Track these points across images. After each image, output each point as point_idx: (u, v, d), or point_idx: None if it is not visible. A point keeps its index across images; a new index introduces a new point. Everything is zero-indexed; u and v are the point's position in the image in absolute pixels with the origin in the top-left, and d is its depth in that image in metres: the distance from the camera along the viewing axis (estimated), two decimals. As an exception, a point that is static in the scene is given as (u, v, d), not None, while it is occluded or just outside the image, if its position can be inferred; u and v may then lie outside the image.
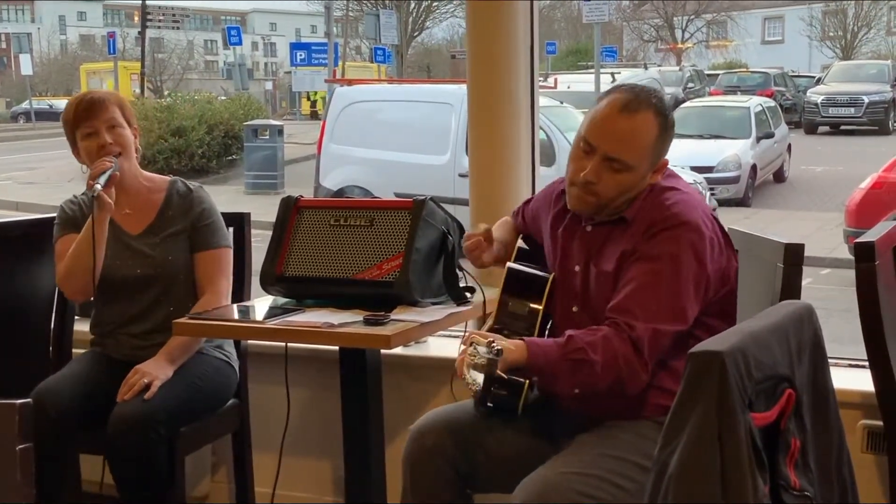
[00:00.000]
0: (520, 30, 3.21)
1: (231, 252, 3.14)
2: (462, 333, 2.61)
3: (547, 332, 2.45)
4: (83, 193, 3.07)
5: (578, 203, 2.36)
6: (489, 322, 2.44)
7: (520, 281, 2.46)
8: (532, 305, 2.40)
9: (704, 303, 2.28)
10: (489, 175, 3.26)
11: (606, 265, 2.33)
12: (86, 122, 2.99)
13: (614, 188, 2.31)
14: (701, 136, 15.11)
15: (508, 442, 2.41)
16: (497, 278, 2.62)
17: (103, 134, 2.97)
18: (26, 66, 33.48)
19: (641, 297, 2.21)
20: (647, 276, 2.23)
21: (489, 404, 2.09)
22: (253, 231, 3.33)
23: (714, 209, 11.46)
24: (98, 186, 2.83)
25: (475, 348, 2.05)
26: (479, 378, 2.04)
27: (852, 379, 2.82)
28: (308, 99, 28.56)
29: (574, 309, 2.40)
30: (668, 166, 2.40)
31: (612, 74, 17.48)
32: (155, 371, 2.88)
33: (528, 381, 2.26)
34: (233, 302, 3.10)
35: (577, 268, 2.40)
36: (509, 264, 2.51)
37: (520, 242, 2.67)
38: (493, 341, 2.07)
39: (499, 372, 2.04)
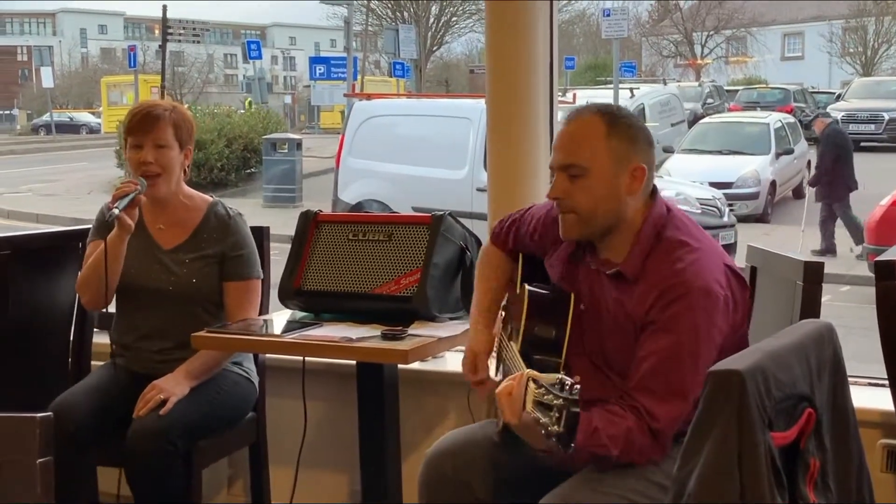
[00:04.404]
0: (539, 45, 3.21)
1: (260, 283, 3.12)
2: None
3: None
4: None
5: (565, 229, 2.32)
6: (514, 346, 2.34)
7: (542, 303, 2.37)
8: (558, 329, 2.31)
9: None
10: (507, 190, 3.25)
11: (618, 315, 2.29)
12: (137, 133, 2.98)
13: (585, 198, 2.26)
14: (720, 152, 15.13)
15: (526, 463, 2.38)
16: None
17: (147, 151, 2.96)
18: (47, 78, 33.75)
19: (662, 374, 2.17)
20: (666, 352, 2.18)
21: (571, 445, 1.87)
22: (271, 244, 3.32)
23: (732, 225, 11.43)
24: (115, 211, 2.82)
25: (543, 386, 1.89)
26: (544, 415, 1.86)
27: (872, 398, 2.79)
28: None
29: (584, 339, 2.37)
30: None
31: (631, 90, 17.43)
32: (171, 387, 2.88)
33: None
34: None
35: (582, 306, 2.36)
36: (528, 288, 2.41)
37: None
38: (563, 379, 1.89)
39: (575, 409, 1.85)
